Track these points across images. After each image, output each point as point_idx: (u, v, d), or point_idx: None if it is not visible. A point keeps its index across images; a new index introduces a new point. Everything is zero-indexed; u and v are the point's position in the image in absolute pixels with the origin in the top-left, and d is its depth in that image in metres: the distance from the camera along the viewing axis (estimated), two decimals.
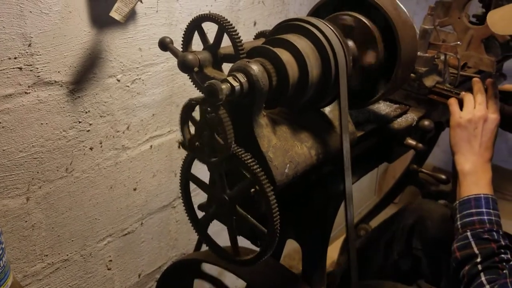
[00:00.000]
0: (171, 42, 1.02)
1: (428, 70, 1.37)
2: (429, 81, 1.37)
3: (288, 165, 0.96)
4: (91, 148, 1.48)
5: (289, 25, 1.03)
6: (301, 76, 0.97)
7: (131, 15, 1.42)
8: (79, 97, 1.38)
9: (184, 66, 0.96)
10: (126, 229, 1.72)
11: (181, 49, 1.09)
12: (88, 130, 1.45)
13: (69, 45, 1.30)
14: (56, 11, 1.24)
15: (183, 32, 1.07)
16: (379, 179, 3.68)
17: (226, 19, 0.97)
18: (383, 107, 1.40)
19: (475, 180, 1.20)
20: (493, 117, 1.21)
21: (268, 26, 2.00)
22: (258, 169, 0.87)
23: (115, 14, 1.20)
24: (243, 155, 0.88)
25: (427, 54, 1.36)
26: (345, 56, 1.01)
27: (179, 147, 1.55)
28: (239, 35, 0.96)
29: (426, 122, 1.23)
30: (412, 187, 2.47)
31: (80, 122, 1.42)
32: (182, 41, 1.07)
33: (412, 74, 1.36)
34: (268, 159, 0.93)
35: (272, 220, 0.87)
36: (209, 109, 0.87)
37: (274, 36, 1.01)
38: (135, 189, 1.69)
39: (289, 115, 1.06)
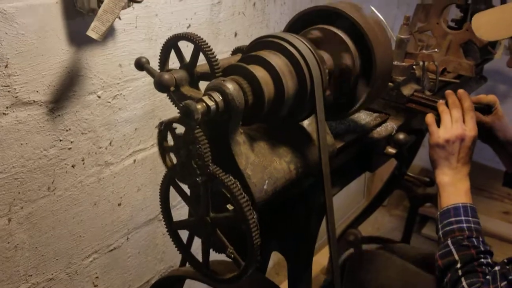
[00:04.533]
0: (147, 62, 1.03)
1: (406, 79, 1.38)
2: (407, 90, 1.38)
3: (267, 181, 0.97)
4: (73, 166, 1.48)
5: (264, 42, 1.04)
6: (277, 93, 0.98)
7: (109, 32, 1.42)
8: (59, 115, 1.38)
9: (161, 86, 0.96)
10: (111, 245, 1.71)
11: (158, 68, 1.09)
12: (70, 148, 1.45)
13: (47, 64, 1.29)
14: (32, 31, 1.23)
15: (160, 51, 1.07)
16: (367, 182, 3.70)
17: (202, 38, 0.97)
18: (363, 116, 1.41)
19: (453, 191, 1.23)
20: (470, 135, 1.23)
21: (249, 36, 2.00)
22: (236, 188, 0.87)
23: (92, 33, 1.19)
24: (220, 174, 0.88)
25: (404, 63, 1.37)
26: (320, 70, 1.02)
27: None
28: (214, 53, 0.97)
29: (401, 136, 1.24)
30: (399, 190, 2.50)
31: (61, 140, 1.41)
32: (159, 60, 1.07)
33: (390, 83, 1.38)
34: (246, 176, 0.94)
35: (252, 239, 0.87)
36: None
37: (249, 53, 1.01)
38: (119, 204, 1.68)
39: (267, 130, 1.07)
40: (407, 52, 1.37)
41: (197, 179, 0.88)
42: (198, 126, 0.86)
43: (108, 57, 1.45)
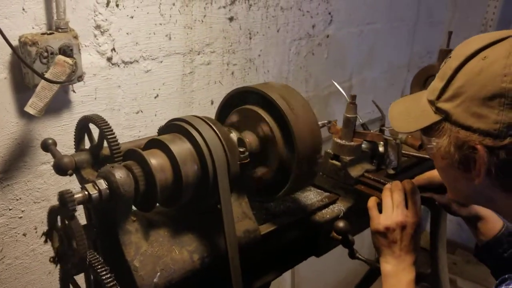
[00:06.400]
0: (54, 143, 1.03)
1: (355, 159, 1.31)
2: (355, 171, 1.31)
3: (159, 273, 0.92)
4: (24, 234, 1.48)
5: (174, 125, 1.02)
6: (175, 180, 0.95)
7: (65, 104, 1.46)
8: (8, 185, 1.40)
9: (58, 169, 0.96)
10: None
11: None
12: (21, 217, 1.46)
13: None
14: None
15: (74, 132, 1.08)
16: None
17: (105, 122, 0.97)
18: (311, 195, 1.34)
19: (395, 283, 1.13)
20: (412, 221, 1.14)
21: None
22: (110, 281, 0.83)
23: (29, 108, 1.23)
24: (97, 266, 0.84)
25: (351, 143, 1.31)
26: (226, 158, 0.98)
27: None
28: (115, 138, 0.96)
29: (341, 224, 1.15)
30: None
31: (10, 209, 1.43)
32: (74, 140, 1.08)
33: (337, 163, 1.31)
34: (133, 269, 0.89)
35: None
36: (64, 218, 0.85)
37: (155, 137, 1.00)
38: None
39: (176, 215, 1.02)
40: (356, 131, 1.31)
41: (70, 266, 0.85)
42: (73, 216, 0.83)
43: (63, 128, 1.48)
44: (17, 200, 1.44)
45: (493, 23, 3.03)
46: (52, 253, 0.93)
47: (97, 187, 0.87)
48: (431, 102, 0.93)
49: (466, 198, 1.05)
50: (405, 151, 1.60)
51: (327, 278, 2.94)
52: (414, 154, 1.64)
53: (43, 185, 1.49)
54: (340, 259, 1.66)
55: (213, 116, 1.95)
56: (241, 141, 1.08)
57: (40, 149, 1.43)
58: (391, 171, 1.49)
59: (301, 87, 2.36)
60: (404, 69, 3.24)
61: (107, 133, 0.96)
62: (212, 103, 1.94)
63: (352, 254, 1.29)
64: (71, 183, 1.55)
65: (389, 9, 2.80)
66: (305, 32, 2.24)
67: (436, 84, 0.93)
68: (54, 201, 1.51)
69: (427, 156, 1.67)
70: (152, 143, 0.99)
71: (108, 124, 0.97)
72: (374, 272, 2.35)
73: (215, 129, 0.99)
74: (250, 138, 1.12)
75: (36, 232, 1.51)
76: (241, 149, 1.06)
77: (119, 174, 0.88)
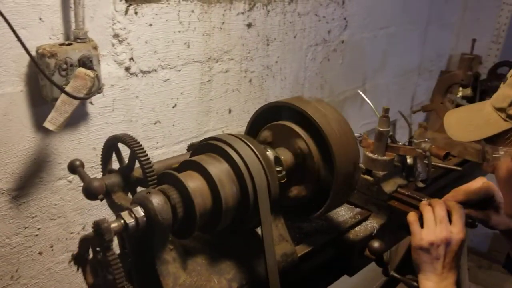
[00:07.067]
0: (81, 165, 0.97)
1: (387, 173, 1.26)
2: (389, 186, 1.25)
3: None
4: (40, 253, 1.42)
5: (208, 145, 0.96)
6: (215, 203, 0.89)
7: (82, 117, 1.40)
8: (24, 202, 1.34)
9: (88, 193, 0.89)
10: None
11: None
12: (36, 235, 1.40)
13: (9, 153, 1.27)
14: None
15: (101, 152, 1.02)
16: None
17: (137, 142, 0.91)
18: (342, 212, 1.29)
19: None
20: (458, 238, 1.08)
21: (245, 112, 1.95)
22: None
23: (49, 124, 1.16)
24: None
25: (384, 157, 1.25)
26: (266, 176, 0.92)
27: None
28: (149, 159, 0.90)
29: (376, 244, 1.09)
30: None
31: (26, 227, 1.37)
32: (101, 161, 1.01)
33: (370, 178, 1.26)
34: None
35: None
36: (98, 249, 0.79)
37: (190, 158, 0.94)
38: None
39: (211, 241, 0.97)
40: (388, 145, 1.25)
41: None
42: (109, 247, 0.77)
43: (80, 141, 1.42)
44: (33, 217, 1.37)
45: (506, 27, 2.98)
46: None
47: (133, 215, 0.81)
48: (501, 110, 0.90)
49: None
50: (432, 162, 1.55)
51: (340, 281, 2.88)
52: (440, 165, 1.59)
53: (60, 201, 1.42)
54: None
55: (234, 127, 1.91)
56: (277, 160, 1.02)
57: (56, 164, 1.38)
58: (421, 184, 1.43)
59: (317, 93, 2.30)
60: (415, 73, 3.19)
61: (139, 154, 0.90)
62: (230, 111, 1.88)
63: (386, 273, 1.24)
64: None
65: (402, 12, 2.74)
66: (321, 38, 2.18)
67: (507, 91, 0.90)
68: (71, 218, 1.46)
69: (454, 167, 1.63)
70: (187, 164, 0.93)
71: (140, 144, 0.91)
72: (393, 283, 2.30)
73: (253, 148, 0.94)
74: (285, 155, 1.06)
75: (52, 250, 1.45)
76: (278, 168, 1.00)
77: (157, 200, 0.82)
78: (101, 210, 1.54)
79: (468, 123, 0.98)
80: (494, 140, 0.92)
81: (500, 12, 2.99)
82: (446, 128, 0.99)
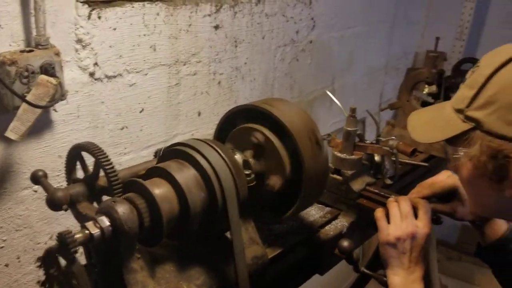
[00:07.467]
0: (44, 175, 0.95)
1: (356, 172, 1.27)
2: (357, 185, 1.27)
3: None
4: (6, 265, 1.38)
5: (175, 151, 0.95)
6: (182, 210, 0.88)
7: (46, 125, 1.37)
8: None
9: (52, 204, 0.88)
10: None
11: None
12: (2, 247, 1.36)
13: None
14: None
15: (65, 161, 0.99)
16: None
17: (101, 150, 0.89)
18: (313, 212, 1.30)
19: None
20: (423, 232, 1.10)
21: (215, 114, 1.94)
22: None
23: (11, 134, 1.13)
24: None
25: (353, 157, 1.27)
26: (235, 183, 0.92)
27: None
28: (113, 168, 0.89)
29: (345, 243, 1.11)
30: None
31: None
32: (65, 171, 0.99)
33: (339, 177, 1.27)
34: None
35: None
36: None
37: (157, 165, 0.93)
38: None
39: (180, 247, 0.96)
40: (356, 144, 1.27)
41: None
42: (74, 259, 0.75)
43: (45, 150, 1.39)
44: None
45: (469, 25, 3.06)
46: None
47: (98, 225, 0.79)
48: (459, 111, 0.91)
49: (492, 210, 1.02)
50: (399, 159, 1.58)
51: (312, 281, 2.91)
52: (407, 161, 1.62)
53: (25, 211, 1.39)
54: None
55: (203, 130, 1.90)
56: (246, 163, 1.02)
57: (21, 173, 1.35)
58: (388, 181, 1.46)
59: (286, 94, 2.31)
60: (382, 72, 3.24)
61: (103, 162, 0.89)
62: (199, 114, 1.87)
63: (357, 269, 1.26)
64: None
65: (369, 12, 2.78)
66: (289, 38, 2.19)
67: (465, 92, 0.90)
68: (37, 228, 1.42)
69: (420, 163, 1.66)
70: (153, 171, 0.92)
71: (104, 152, 0.90)
72: (365, 278, 2.34)
73: (220, 152, 0.93)
74: (250, 155, 1.05)
75: (19, 262, 1.41)
76: (246, 172, 1.00)
77: (122, 209, 0.81)
78: (68, 220, 1.51)
79: (429, 124, 0.99)
80: (454, 141, 0.92)
81: (463, 10, 3.07)
82: (409, 130, 1.00)
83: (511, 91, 0.83)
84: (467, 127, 0.89)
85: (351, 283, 2.39)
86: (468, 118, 0.89)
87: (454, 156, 0.93)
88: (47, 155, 1.40)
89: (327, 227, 1.25)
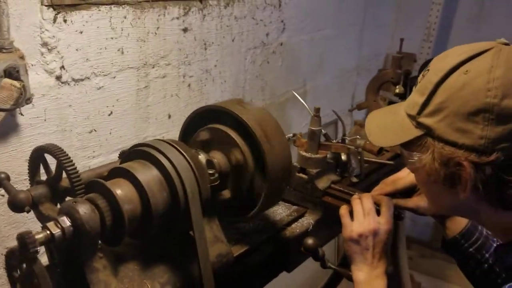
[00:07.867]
0: (7, 177, 0.95)
1: (321, 171, 1.31)
2: (322, 183, 1.30)
3: None
4: None
5: (137, 151, 0.96)
6: (144, 210, 0.90)
7: (12, 129, 1.36)
8: None
9: (13, 206, 0.88)
10: None
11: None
12: None
13: None
14: None
15: (28, 164, 1.00)
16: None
17: (63, 152, 0.90)
18: (280, 211, 1.32)
19: None
20: (384, 228, 1.14)
21: (185, 116, 1.92)
22: None
23: None
24: None
25: (317, 155, 1.30)
26: (197, 182, 0.94)
27: None
28: (75, 169, 0.90)
29: (310, 241, 1.13)
30: None
31: None
32: (28, 173, 1.00)
33: (304, 176, 1.30)
34: None
35: None
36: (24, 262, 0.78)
37: (119, 165, 0.94)
38: None
39: (144, 246, 0.97)
40: (320, 143, 1.30)
41: None
42: (35, 259, 0.76)
43: (11, 154, 1.38)
44: None
45: (436, 26, 3.14)
46: None
47: (59, 225, 0.80)
48: (411, 117, 0.92)
49: (449, 211, 1.06)
50: (365, 157, 1.62)
51: (288, 280, 2.93)
52: (374, 160, 1.66)
53: None
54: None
55: (174, 132, 1.90)
56: (210, 163, 1.04)
57: None
58: (355, 179, 1.50)
59: (258, 96, 2.34)
60: (354, 73, 3.30)
61: (65, 164, 0.89)
62: (169, 117, 1.88)
63: (324, 265, 1.28)
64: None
65: (338, 15, 2.84)
66: (259, 41, 2.22)
67: (416, 98, 0.91)
68: (5, 232, 1.42)
69: (386, 161, 1.70)
70: (116, 172, 0.93)
71: (66, 154, 0.91)
72: (337, 276, 2.37)
73: (183, 153, 0.95)
74: (219, 158, 1.08)
75: None
76: (210, 171, 1.02)
77: (83, 209, 0.82)
78: (37, 223, 1.49)
79: (385, 128, 1.00)
80: (409, 146, 0.93)
81: (430, 12, 3.15)
82: (367, 133, 1.02)
83: (459, 98, 0.84)
84: (419, 133, 0.90)
85: (328, 279, 2.42)
86: (420, 125, 0.90)
87: (410, 160, 0.94)
88: (14, 159, 1.39)
89: (293, 225, 1.27)
